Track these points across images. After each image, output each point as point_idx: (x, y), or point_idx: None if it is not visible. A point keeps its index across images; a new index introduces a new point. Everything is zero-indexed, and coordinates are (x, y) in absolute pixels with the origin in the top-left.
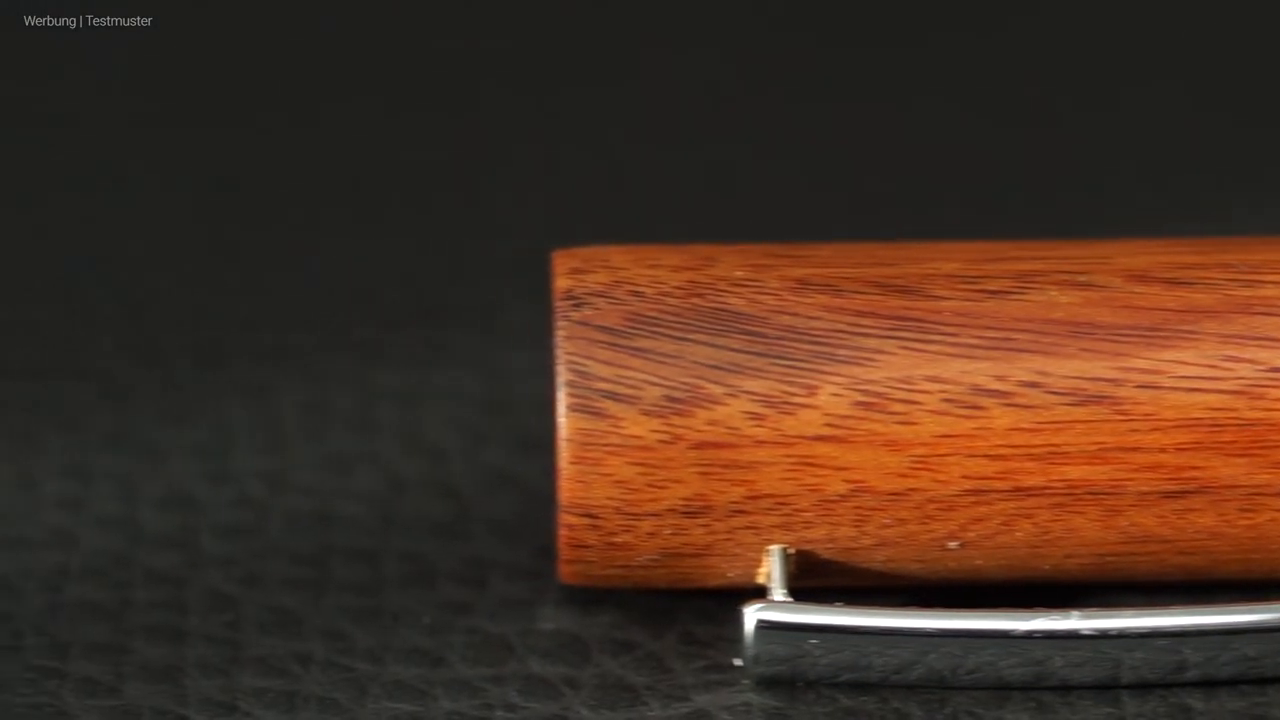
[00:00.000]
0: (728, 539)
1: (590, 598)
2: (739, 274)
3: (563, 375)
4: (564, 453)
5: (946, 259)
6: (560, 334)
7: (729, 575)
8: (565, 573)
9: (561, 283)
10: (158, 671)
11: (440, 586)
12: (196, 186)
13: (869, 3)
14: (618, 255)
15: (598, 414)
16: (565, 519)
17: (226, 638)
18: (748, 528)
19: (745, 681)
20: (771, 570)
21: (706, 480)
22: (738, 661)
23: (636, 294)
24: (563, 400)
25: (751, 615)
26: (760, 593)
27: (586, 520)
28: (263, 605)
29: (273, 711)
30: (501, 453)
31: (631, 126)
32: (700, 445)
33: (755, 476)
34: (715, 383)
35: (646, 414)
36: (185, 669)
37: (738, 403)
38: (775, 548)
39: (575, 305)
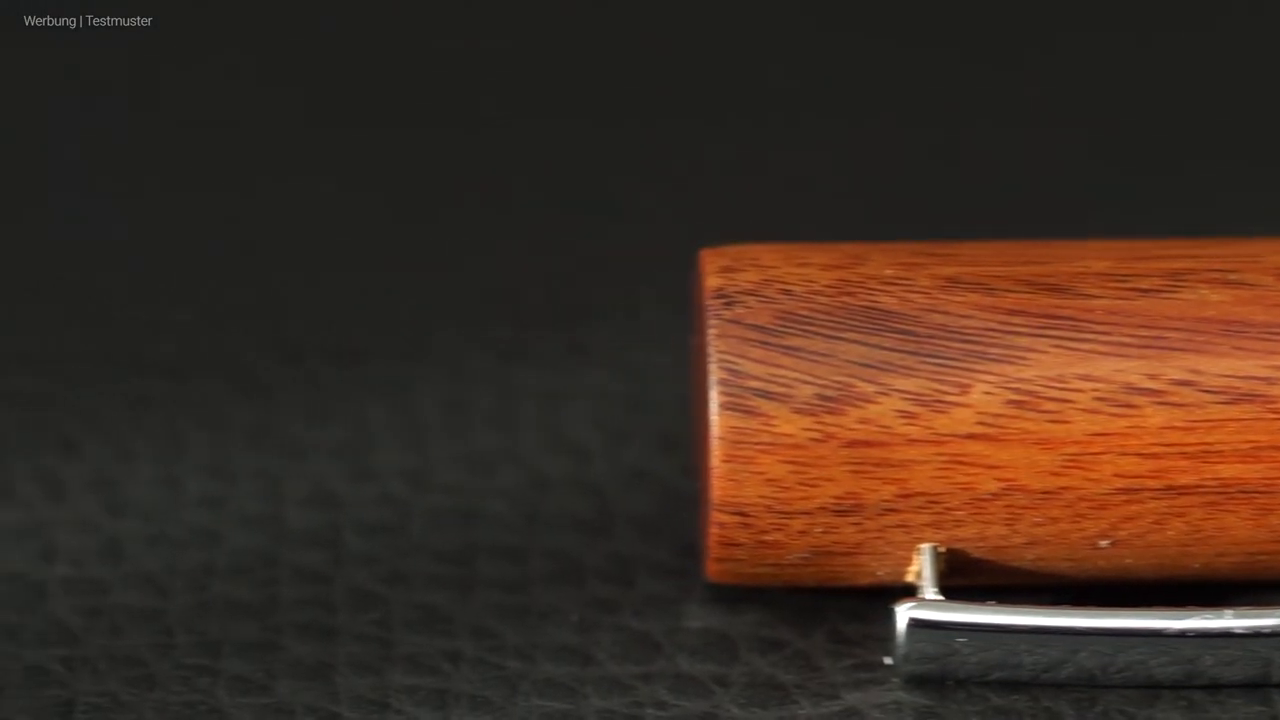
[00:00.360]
0: (878, 537)
1: (736, 596)
2: (889, 272)
3: (715, 374)
4: (716, 451)
5: (1096, 257)
6: (712, 332)
7: (878, 574)
8: (714, 571)
9: (712, 281)
10: (309, 669)
11: (587, 584)
12: (337, 186)
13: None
14: (766, 254)
15: (750, 412)
16: (716, 517)
17: (375, 635)
18: (899, 526)
19: (895, 680)
20: (922, 569)
21: (858, 478)
22: (887, 660)
23: (787, 292)
24: (715, 399)
25: (904, 614)
26: (908, 591)
27: (738, 518)
28: (410, 603)
29: (425, 709)
30: (641, 451)
31: (762, 125)
32: (852, 443)
33: (907, 475)
34: (867, 381)
35: (798, 412)
36: (336, 667)
37: (890, 401)
38: (926, 546)
39: (727, 304)
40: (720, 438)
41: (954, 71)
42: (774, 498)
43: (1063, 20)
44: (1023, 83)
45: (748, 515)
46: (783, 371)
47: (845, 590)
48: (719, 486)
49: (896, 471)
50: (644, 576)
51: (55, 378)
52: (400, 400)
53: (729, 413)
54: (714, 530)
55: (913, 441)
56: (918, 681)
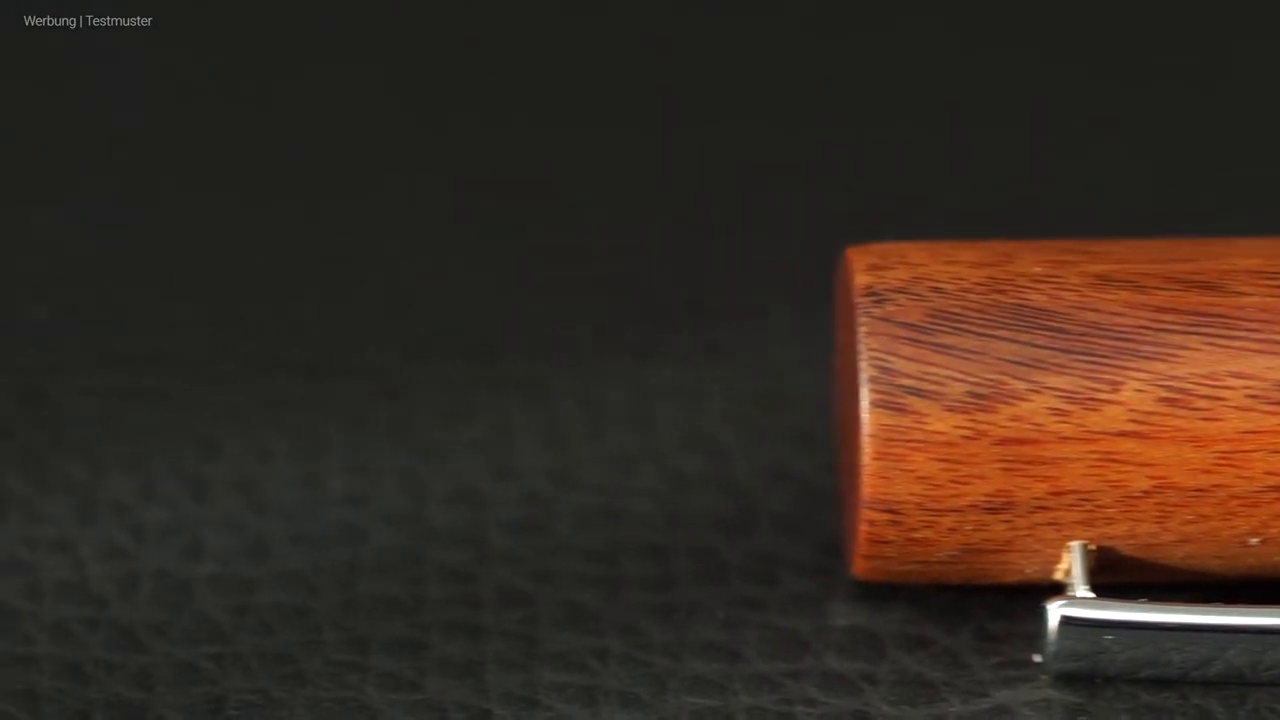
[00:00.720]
0: (1028, 535)
1: (881, 594)
2: (1038, 270)
3: (866, 371)
4: (867, 448)
5: (1245, 255)
6: (862, 330)
7: (1026, 571)
8: (862, 568)
9: (861, 279)
10: (458, 667)
11: (731, 582)
12: (470, 184)
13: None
14: (914, 251)
15: (901, 410)
16: (867, 514)
17: (523, 633)
18: (1049, 524)
19: (1044, 677)
20: (1072, 566)
21: (1010, 476)
22: (1036, 657)
23: (937, 290)
24: (866, 396)
25: (1055, 611)
26: (1056, 588)
27: (888, 516)
28: (556, 601)
29: (574, 706)
30: (779, 449)
31: (890, 126)
32: (1004, 441)
33: (1058, 472)
34: (1019, 379)
35: (950, 410)
36: (485, 664)
37: (1041, 399)
38: (1076, 543)
39: (876, 301)
40: (871, 435)
41: (1082, 74)
42: (925, 495)
43: (1202, 21)
44: (1161, 83)
45: (898, 512)
46: (934, 369)
47: (989, 587)
48: (869, 484)
49: (1048, 469)
50: (788, 574)
51: (195, 377)
52: (537, 399)
53: (880, 410)
54: (864, 527)
55: (1065, 439)
56: (1066, 679)
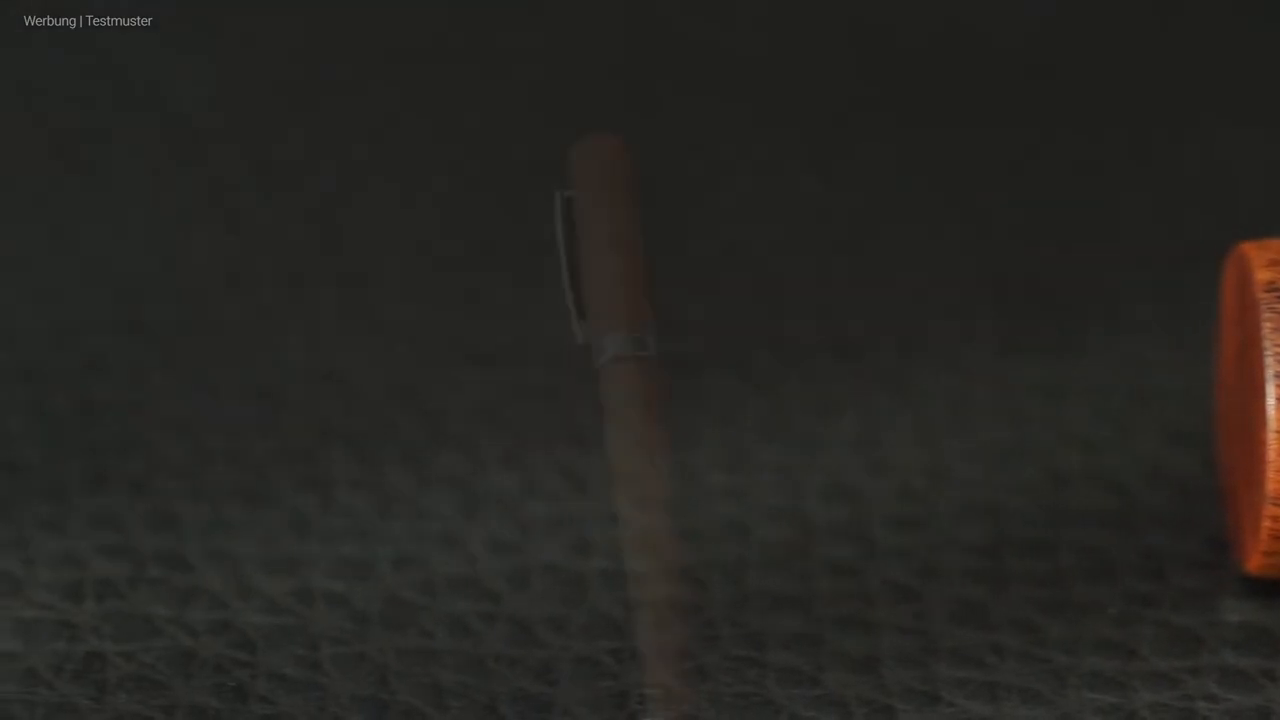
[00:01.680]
0: None
1: (1270, 589)
2: None
3: (1272, 367)
4: (1272, 444)
5: None
6: (1267, 326)
7: None
8: (1260, 564)
9: (1262, 274)
10: (855, 661)
11: (1120, 578)
12: (838, 182)
13: None
14: None
15: None
16: (1270, 510)
17: (917, 628)
18: None
19: None
20: None
21: None
22: None
23: None
24: (1272, 392)
25: None
26: None
27: None
28: (947, 596)
29: (976, 702)
30: (1153, 445)
31: (1252, 122)
32: None
33: None
34: None
35: None
36: (882, 659)
37: None
38: None
39: None
40: (1278, 431)
41: None
42: None
43: None
44: None
45: None
46: None
47: None
48: (1275, 479)
49: None
50: (1176, 570)
51: (565, 372)
52: (905, 394)
53: None
54: (1266, 524)
55: None
56: None
